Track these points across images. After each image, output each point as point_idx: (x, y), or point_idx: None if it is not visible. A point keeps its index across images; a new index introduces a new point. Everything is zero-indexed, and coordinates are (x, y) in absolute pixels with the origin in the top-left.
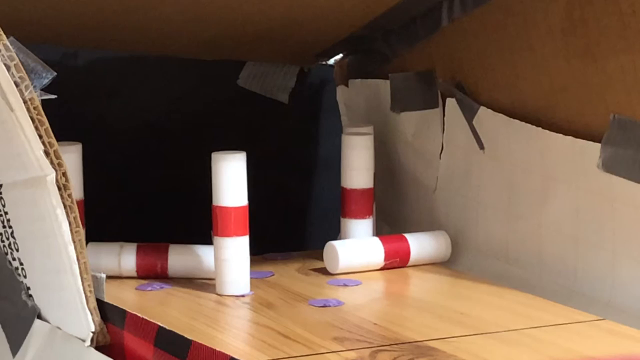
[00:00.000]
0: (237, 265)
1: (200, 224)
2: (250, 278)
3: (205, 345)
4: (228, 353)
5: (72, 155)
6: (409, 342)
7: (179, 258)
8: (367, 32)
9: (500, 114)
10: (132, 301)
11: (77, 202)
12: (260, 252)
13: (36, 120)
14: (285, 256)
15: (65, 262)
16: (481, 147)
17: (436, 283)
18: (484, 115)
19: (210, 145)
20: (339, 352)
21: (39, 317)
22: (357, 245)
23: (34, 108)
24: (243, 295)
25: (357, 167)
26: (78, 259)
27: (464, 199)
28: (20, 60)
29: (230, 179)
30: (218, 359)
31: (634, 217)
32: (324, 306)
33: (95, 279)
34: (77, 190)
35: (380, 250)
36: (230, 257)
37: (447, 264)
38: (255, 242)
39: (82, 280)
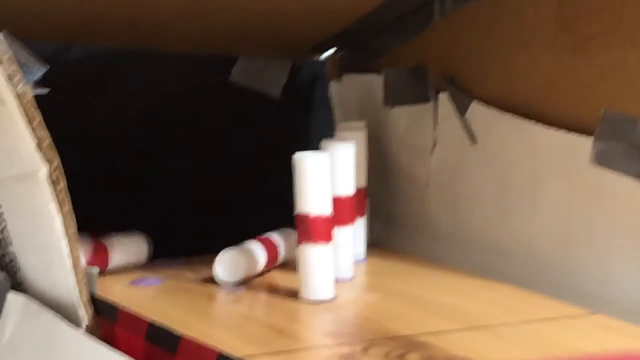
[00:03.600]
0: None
1: (193, 219)
2: None
3: (195, 340)
4: (220, 347)
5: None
6: (401, 337)
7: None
8: (359, 27)
9: (492, 109)
10: (125, 295)
11: None
12: None
13: (28, 115)
14: None
15: (58, 256)
16: (473, 141)
17: (427, 278)
18: (476, 110)
19: (201, 140)
20: (331, 347)
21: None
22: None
23: (26, 102)
24: (236, 291)
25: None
26: (71, 253)
27: (455, 193)
28: (12, 54)
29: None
30: (208, 354)
31: (625, 212)
32: (317, 301)
33: (87, 273)
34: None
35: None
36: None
37: (439, 259)
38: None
39: (74, 274)
